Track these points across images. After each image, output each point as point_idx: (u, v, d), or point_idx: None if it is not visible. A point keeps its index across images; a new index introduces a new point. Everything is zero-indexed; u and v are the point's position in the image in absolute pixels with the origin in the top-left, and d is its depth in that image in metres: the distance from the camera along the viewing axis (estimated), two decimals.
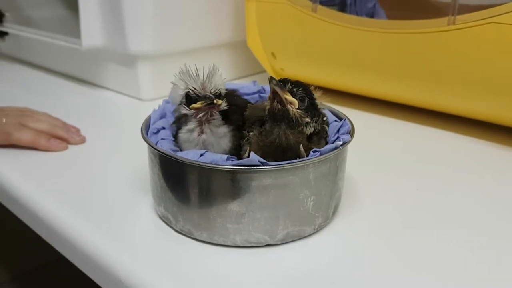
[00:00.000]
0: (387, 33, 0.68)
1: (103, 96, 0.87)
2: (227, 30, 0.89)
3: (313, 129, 0.43)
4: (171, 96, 0.47)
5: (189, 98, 0.43)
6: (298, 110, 0.42)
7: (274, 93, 0.42)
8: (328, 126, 0.47)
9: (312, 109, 0.44)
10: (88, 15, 0.79)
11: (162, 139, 0.46)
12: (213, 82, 0.43)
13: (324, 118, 0.46)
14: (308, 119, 0.43)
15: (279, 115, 0.42)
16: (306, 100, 0.43)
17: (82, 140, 0.65)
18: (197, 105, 0.43)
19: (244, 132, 0.45)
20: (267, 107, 0.43)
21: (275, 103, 0.42)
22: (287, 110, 0.42)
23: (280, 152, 0.42)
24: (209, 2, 0.85)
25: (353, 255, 0.43)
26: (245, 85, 0.55)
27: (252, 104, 0.53)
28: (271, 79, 0.42)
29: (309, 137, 0.43)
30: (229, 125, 0.45)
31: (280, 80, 0.43)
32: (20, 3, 1.09)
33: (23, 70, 1.03)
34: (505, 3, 0.57)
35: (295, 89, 0.43)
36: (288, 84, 0.43)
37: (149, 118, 0.49)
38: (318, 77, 0.81)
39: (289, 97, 0.42)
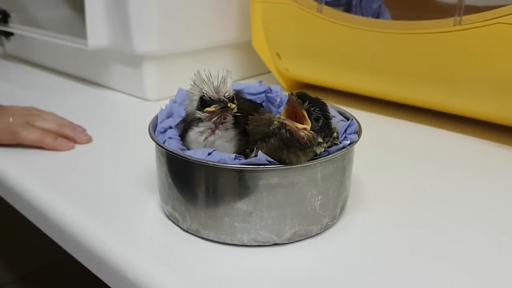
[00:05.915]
0: (392, 33, 0.68)
1: (109, 96, 0.87)
2: (232, 31, 0.89)
3: (323, 149, 0.42)
4: (186, 104, 0.47)
5: (204, 102, 0.44)
6: (310, 133, 0.40)
7: (282, 124, 0.40)
8: (337, 143, 0.45)
9: (326, 129, 0.42)
10: (94, 15, 0.80)
11: (170, 138, 0.46)
12: (227, 86, 0.43)
13: (335, 135, 0.44)
14: (320, 139, 0.41)
15: (288, 140, 0.40)
16: (321, 121, 0.42)
17: (89, 140, 0.65)
18: (211, 108, 0.43)
19: (246, 150, 0.45)
20: (275, 130, 0.41)
21: (283, 131, 0.40)
22: (297, 139, 0.40)
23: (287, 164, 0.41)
24: (214, 2, 0.85)
25: (359, 254, 0.43)
26: (252, 85, 0.55)
27: (257, 105, 0.53)
28: (291, 94, 0.40)
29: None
30: (236, 128, 0.45)
31: (298, 96, 0.40)
32: (26, 4, 1.09)
33: (28, 70, 1.04)
34: None
35: (312, 108, 0.41)
36: (306, 103, 0.41)
37: (156, 118, 0.50)
38: (323, 78, 0.82)
39: (300, 125, 0.40)
